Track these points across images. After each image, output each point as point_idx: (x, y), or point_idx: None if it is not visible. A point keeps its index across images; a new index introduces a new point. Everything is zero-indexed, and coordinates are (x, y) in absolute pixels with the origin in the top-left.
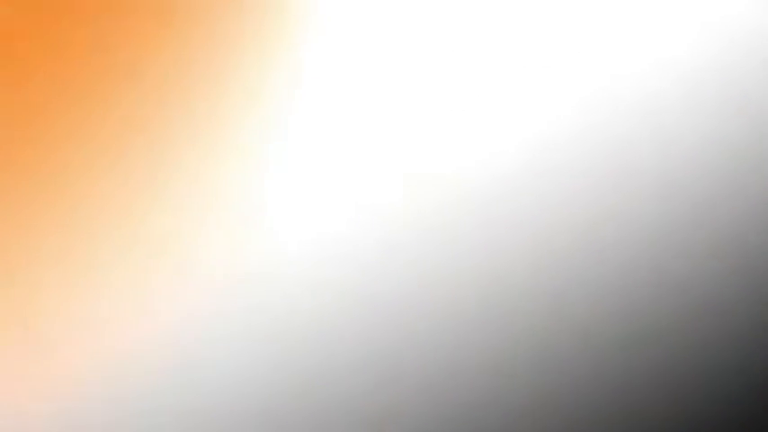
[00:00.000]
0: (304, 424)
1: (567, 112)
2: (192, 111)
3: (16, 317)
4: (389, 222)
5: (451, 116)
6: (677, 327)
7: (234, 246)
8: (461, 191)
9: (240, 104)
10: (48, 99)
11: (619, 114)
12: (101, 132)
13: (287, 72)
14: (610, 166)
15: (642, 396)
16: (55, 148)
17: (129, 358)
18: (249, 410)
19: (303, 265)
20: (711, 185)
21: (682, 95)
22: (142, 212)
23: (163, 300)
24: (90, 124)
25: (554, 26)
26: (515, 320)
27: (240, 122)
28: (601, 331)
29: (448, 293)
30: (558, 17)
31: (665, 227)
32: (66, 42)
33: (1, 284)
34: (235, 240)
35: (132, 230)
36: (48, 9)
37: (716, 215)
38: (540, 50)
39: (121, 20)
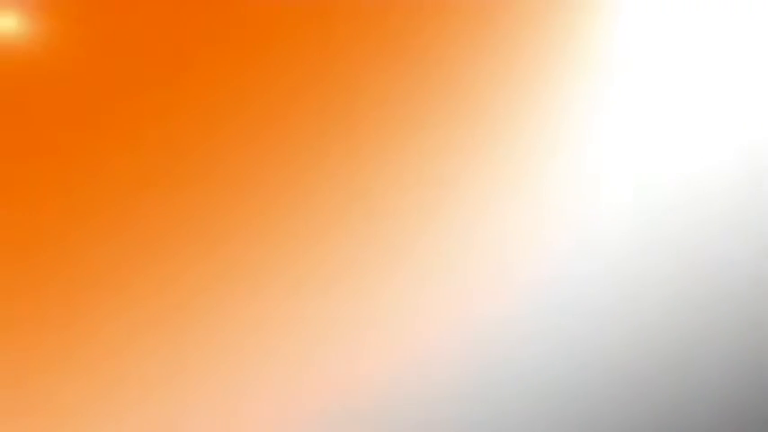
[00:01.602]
0: (629, 426)
1: None
2: (518, 107)
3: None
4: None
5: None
6: None
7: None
8: None
9: (560, 102)
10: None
11: None
12: (414, 123)
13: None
14: None
15: None
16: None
17: (445, 356)
18: (562, 411)
19: (622, 264)
20: None
21: None
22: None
23: (481, 298)
24: (401, 113)
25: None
26: None
27: (561, 119)
28: None
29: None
30: None
31: None
32: (375, 41)
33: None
34: (551, 240)
35: (451, 230)
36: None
37: None
38: None
39: (437, 22)
